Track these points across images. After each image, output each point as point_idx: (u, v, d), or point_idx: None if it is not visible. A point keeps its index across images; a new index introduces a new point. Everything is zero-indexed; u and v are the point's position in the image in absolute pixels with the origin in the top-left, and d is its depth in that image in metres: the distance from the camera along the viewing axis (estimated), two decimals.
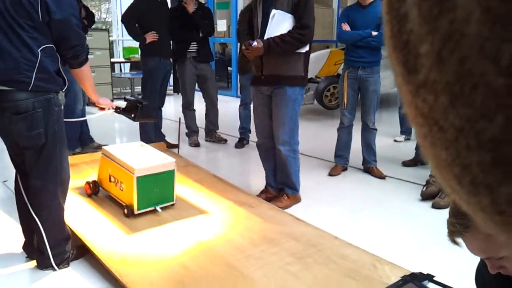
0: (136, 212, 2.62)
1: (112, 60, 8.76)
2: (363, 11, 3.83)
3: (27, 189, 2.26)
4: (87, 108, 4.59)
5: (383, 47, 3.94)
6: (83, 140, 4.61)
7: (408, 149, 4.55)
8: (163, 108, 4.86)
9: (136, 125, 4.60)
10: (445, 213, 3.35)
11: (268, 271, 2.14)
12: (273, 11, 2.94)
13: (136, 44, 4.80)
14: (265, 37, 2.95)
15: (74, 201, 2.79)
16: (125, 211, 2.63)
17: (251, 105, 3.82)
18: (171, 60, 4.84)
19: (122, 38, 10.49)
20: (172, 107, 7.44)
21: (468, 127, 0.19)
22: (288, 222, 2.71)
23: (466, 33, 0.18)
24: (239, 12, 6.18)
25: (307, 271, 2.15)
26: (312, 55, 7.36)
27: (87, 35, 4.72)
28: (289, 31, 2.94)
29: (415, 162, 4.37)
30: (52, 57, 2.16)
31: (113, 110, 2.67)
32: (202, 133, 5.22)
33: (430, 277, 2.08)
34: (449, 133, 0.20)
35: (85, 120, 4.64)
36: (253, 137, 4.03)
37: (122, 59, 9.69)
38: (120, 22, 4.70)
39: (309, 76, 6.62)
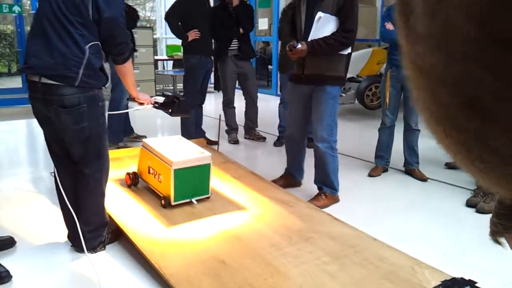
0: (172, 203, 2.72)
1: (156, 57, 8.97)
2: None
3: (65, 178, 2.38)
4: (129, 103, 4.73)
5: None
6: (124, 131, 4.84)
7: None
8: (203, 105, 4.93)
9: (177, 121, 4.71)
10: (489, 218, 3.22)
11: (304, 269, 2.14)
12: (319, 14, 2.94)
13: (178, 42, 4.89)
14: (309, 39, 2.97)
15: (114, 191, 2.90)
16: (162, 202, 2.74)
17: None
18: (212, 58, 4.91)
19: (165, 36, 10.71)
20: (212, 104, 7.54)
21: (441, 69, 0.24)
22: (326, 221, 2.69)
23: None
24: (280, 10, 6.18)
25: (344, 272, 2.13)
26: (353, 54, 7.27)
27: (133, 32, 4.87)
28: (332, 34, 2.95)
29: None
30: (98, 54, 2.24)
31: (152, 105, 2.76)
32: (241, 130, 5.27)
33: (472, 283, 2.02)
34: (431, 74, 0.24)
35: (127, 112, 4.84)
36: None
37: (165, 57, 9.89)
38: (163, 20, 4.79)
39: (350, 75, 6.60)
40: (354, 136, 5.69)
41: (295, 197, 3.10)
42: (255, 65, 7.34)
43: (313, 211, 2.84)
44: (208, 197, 2.90)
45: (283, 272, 2.11)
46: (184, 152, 2.89)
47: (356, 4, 3.01)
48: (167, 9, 4.76)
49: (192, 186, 2.80)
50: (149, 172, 2.92)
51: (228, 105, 5.09)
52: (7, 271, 2.17)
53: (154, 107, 2.79)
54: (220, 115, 4.14)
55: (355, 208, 3.22)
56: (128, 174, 3.04)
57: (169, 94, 2.86)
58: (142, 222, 2.58)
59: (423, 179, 3.88)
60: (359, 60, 6.84)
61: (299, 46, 2.93)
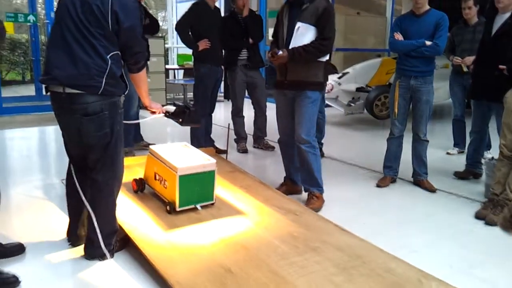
0: (177, 209, 2.77)
1: (167, 66, 9.05)
2: (417, 20, 3.75)
3: (82, 182, 2.43)
4: (140, 112, 4.79)
5: (437, 57, 3.84)
6: (134, 138, 4.90)
7: (461, 162, 4.39)
8: (213, 114, 4.97)
9: (187, 130, 4.75)
10: (499, 230, 3.23)
11: (311, 279, 2.14)
12: (298, 24, 3.18)
13: (189, 51, 4.95)
14: (290, 47, 3.18)
15: (121, 197, 2.92)
16: (168, 207, 2.79)
17: None
18: (222, 67, 4.95)
19: (176, 45, 10.82)
20: (222, 113, 7.58)
21: None
22: (333, 232, 2.69)
23: None
24: None
25: (351, 283, 2.13)
26: (362, 64, 7.31)
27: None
28: (311, 42, 3.16)
29: (468, 174, 4.21)
30: (118, 63, 2.33)
31: (163, 114, 2.81)
32: (250, 139, 5.29)
33: None
34: None
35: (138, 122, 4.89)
36: None
37: (176, 66, 9.98)
38: (175, 30, 4.85)
39: (359, 85, 6.61)
40: (363, 146, 5.68)
41: (302, 206, 3.11)
42: (264, 74, 7.38)
43: (320, 221, 2.84)
44: (212, 204, 2.94)
45: (289, 282, 2.12)
46: (189, 158, 2.94)
47: (333, 14, 3.23)
48: (178, 19, 4.82)
49: (197, 193, 2.85)
50: (155, 178, 2.98)
51: (237, 114, 5.13)
52: (15, 277, 2.21)
53: (165, 116, 2.84)
54: (229, 124, 4.16)
55: (363, 219, 3.21)
56: (135, 180, 3.10)
57: (180, 104, 2.91)
58: (148, 228, 2.61)
59: (431, 190, 3.86)
60: (368, 70, 6.84)
61: (280, 52, 3.17)
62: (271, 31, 8.84)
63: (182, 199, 2.78)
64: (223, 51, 4.93)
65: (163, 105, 2.87)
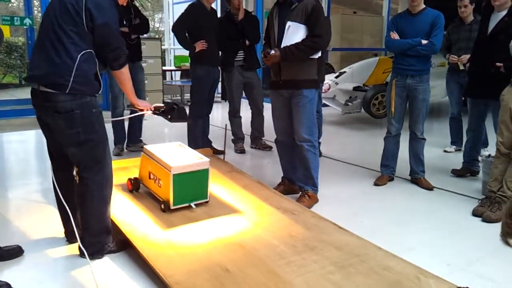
0: (172, 207, 2.79)
1: (164, 68, 9.06)
2: (413, 19, 3.76)
3: (59, 179, 2.51)
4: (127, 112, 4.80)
5: (433, 55, 3.85)
6: (133, 139, 4.99)
7: (458, 160, 4.40)
8: (210, 115, 4.97)
9: (184, 131, 4.75)
10: (496, 227, 3.23)
11: (309, 278, 2.14)
12: (288, 23, 3.21)
13: (186, 52, 4.94)
14: (282, 46, 3.22)
15: (116, 196, 2.93)
16: (162, 206, 2.81)
17: None
18: (219, 68, 4.95)
19: (173, 47, 10.82)
20: (219, 114, 7.59)
21: None
22: (331, 230, 2.70)
23: None
24: None
25: (349, 281, 2.13)
26: (360, 63, 7.33)
27: (142, 44, 4.94)
28: (302, 40, 3.20)
29: (465, 171, 4.23)
30: (90, 61, 2.34)
31: (151, 112, 2.81)
32: (247, 140, 5.29)
33: None
34: None
35: (141, 123, 4.98)
36: None
37: (173, 67, 9.98)
38: (171, 31, 4.85)
39: (356, 85, 6.62)
40: (360, 145, 5.69)
41: (300, 205, 3.11)
42: (261, 75, 7.39)
43: (318, 220, 2.84)
44: (206, 202, 2.96)
45: (287, 281, 2.12)
46: (183, 157, 2.96)
47: (322, 12, 3.26)
48: (175, 20, 4.83)
49: (191, 191, 2.87)
50: (149, 178, 2.99)
51: (234, 115, 5.13)
52: (8, 284, 2.19)
53: (154, 113, 2.85)
54: (226, 125, 4.17)
55: (360, 217, 3.22)
56: (129, 179, 3.11)
57: (169, 101, 2.92)
58: (145, 227, 2.61)
59: (429, 188, 3.87)
60: (365, 69, 6.86)
61: (273, 52, 3.21)
62: None
63: (176, 198, 2.80)
64: (220, 53, 4.93)
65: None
